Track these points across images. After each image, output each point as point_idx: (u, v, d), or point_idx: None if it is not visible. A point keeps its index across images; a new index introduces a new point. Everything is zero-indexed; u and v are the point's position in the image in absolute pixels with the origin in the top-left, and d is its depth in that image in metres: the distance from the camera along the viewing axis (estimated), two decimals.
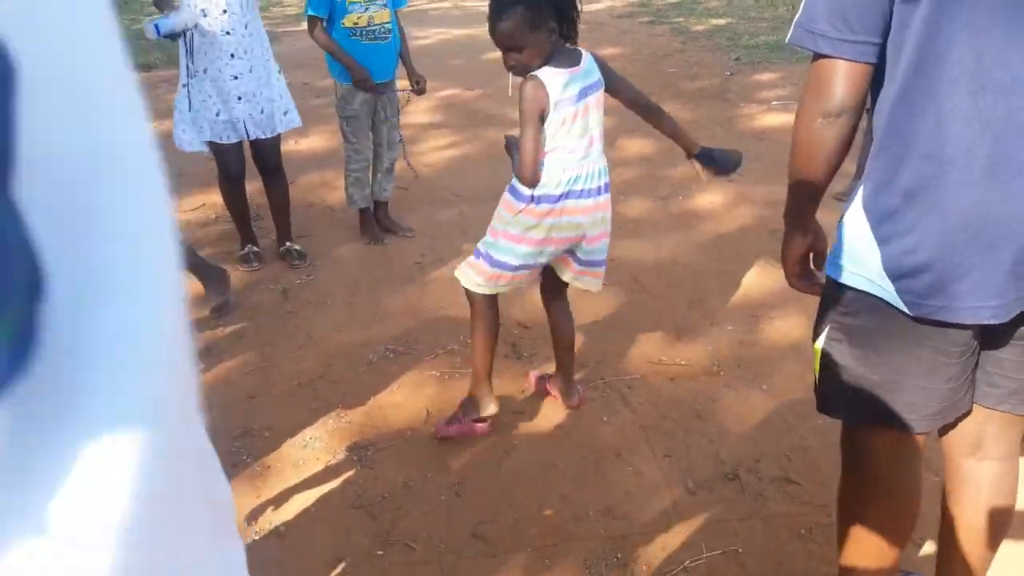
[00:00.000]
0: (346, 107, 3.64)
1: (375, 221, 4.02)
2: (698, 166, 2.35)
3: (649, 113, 2.34)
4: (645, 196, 4.54)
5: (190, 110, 3.32)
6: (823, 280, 1.49)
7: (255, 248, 3.75)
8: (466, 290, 2.37)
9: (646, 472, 2.35)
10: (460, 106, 6.53)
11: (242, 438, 2.53)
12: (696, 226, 4.13)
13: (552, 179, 2.17)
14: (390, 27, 3.61)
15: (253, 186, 4.72)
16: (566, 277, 2.46)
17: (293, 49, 8.58)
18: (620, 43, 9.06)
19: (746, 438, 2.49)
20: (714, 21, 10.18)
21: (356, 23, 3.47)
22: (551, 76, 2.07)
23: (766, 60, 7.86)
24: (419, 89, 3.90)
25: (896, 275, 1.25)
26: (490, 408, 2.43)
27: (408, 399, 2.72)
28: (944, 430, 1.49)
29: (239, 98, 3.32)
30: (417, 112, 6.41)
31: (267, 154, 3.62)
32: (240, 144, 3.47)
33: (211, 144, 3.41)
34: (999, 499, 1.50)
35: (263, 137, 3.49)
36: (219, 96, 3.29)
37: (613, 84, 2.24)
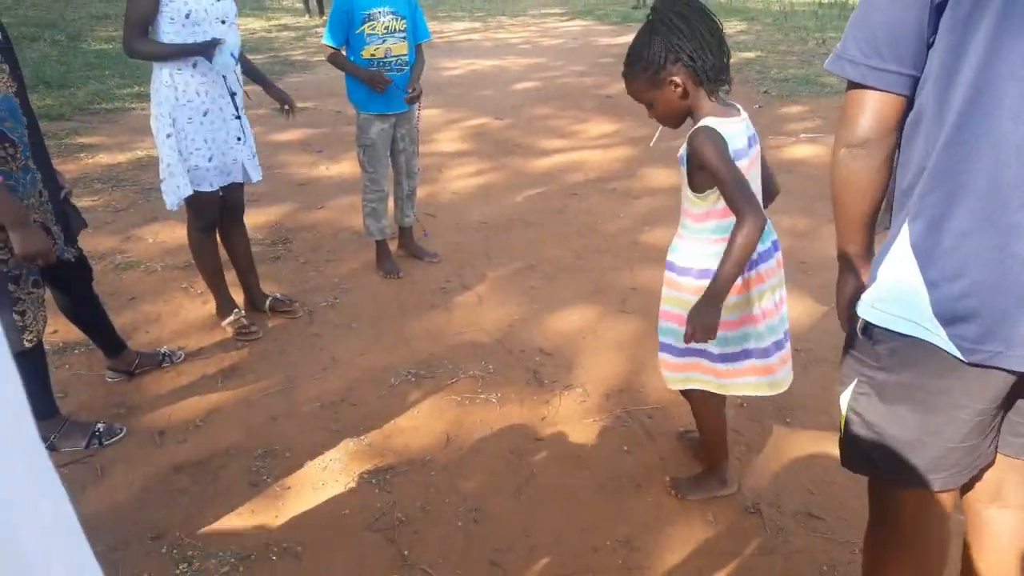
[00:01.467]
0: (363, 136, 3.68)
1: (392, 252, 4.03)
2: None
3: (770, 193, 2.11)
4: (670, 225, 4.50)
5: (180, 159, 2.95)
6: None
7: (242, 310, 3.37)
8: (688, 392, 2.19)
9: (666, 504, 2.32)
10: (488, 135, 6.59)
11: (263, 458, 2.54)
12: None
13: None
14: (407, 60, 3.63)
15: (283, 209, 4.81)
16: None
17: (327, 78, 8.75)
18: None
19: (768, 471, 2.46)
20: (743, 54, 10.21)
21: (373, 55, 3.53)
22: (720, 124, 1.86)
23: (795, 93, 7.87)
24: (413, 96, 3.62)
25: (948, 319, 1.18)
26: (732, 487, 2.32)
27: (428, 423, 2.72)
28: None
29: (239, 139, 3.08)
30: (445, 140, 6.50)
31: (238, 198, 3.30)
32: (218, 191, 3.13)
33: (193, 195, 3.03)
34: (1021, 548, 1.45)
35: (251, 181, 3.23)
36: (215, 141, 2.99)
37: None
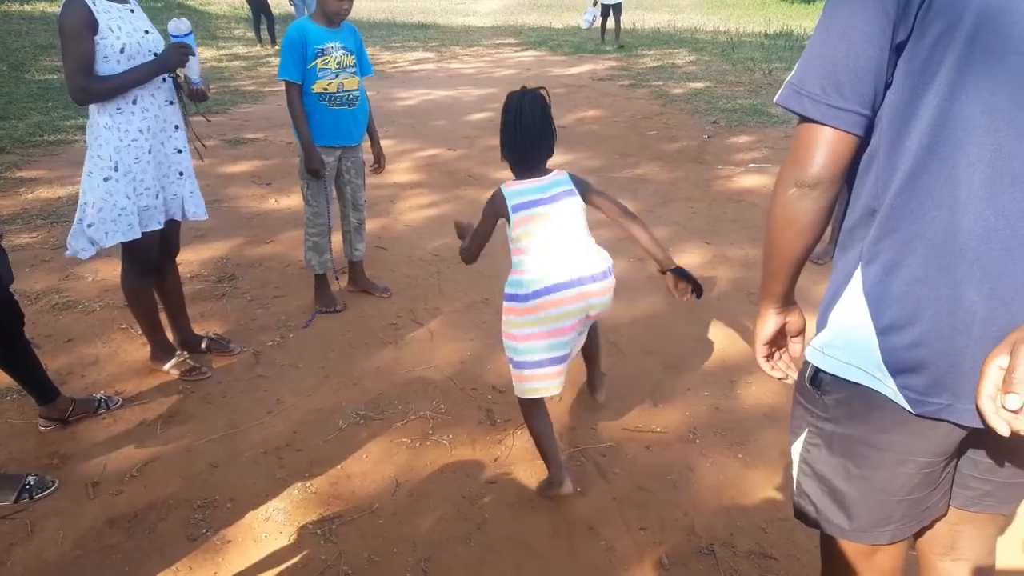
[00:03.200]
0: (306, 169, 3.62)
1: (344, 287, 3.99)
2: (671, 281, 2.38)
3: (625, 220, 2.42)
4: (621, 257, 4.54)
5: (130, 201, 2.84)
6: (796, 367, 1.41)
7: (184, 351, 3.31)
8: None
9: (619, 547, 2.28)
10: (440, 166, 6.57)
11: (203, 509, 2.44)
12: None
13: (526, 278, 2.35)
14: (358, 94, 3.62)
15: (230, 244, 4.70)
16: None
17: (279, 108, 8.67)
18: (601, 105, 9.23)
19: (722, 510, 2.44)
20: (692, 85, 10.41)
21: (325, 89, 3.48)
22: (509, 187, 2.38)
23: (743, 123, 8.03)
24: (377, 168, 3.93)
25: (897, 369, 1.16)
26: (564, 488, 2.43)
27: (376, 468, 2.65)
28: (919, 531, 1.42)
29: (180, 173, 3.01)
30: (398, 172, 6.46)
31: (175, 237, 3.20)
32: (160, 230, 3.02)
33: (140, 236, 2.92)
34: None
35: (191, 218, 3.14)
36: (157, 178, 2.93)
37: (590, 198, 2.43)
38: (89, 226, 2.84)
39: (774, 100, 1.21)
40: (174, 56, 2.82)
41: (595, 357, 2.93)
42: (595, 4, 15.50)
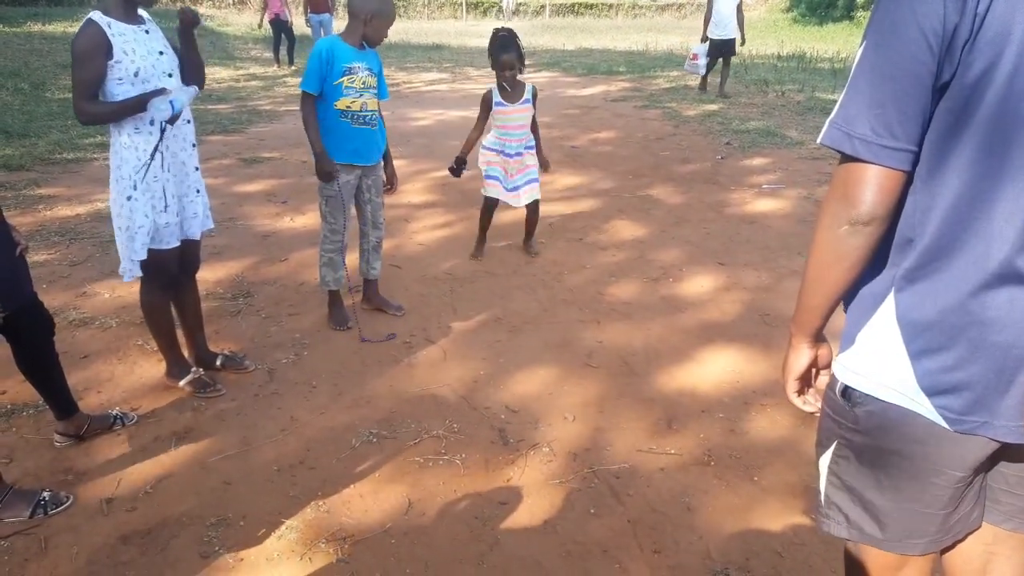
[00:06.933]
0: (325, 187, 3.65)
1: (356, 303, 4.00)
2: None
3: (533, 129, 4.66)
4: (635, 279, 4.54)
5: (148, 219, 2.88)
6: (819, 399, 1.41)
7: (200, 369, 3.32)
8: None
9: (633, 570, 2.25)
10: (454, 186, 6.59)
11: (216, 527, 2.44)
12: (686, 310, 4.12)
13: (494, 140, 4.60)
14: (377, 115, 3.70)
15: (245, 262, 4.73)
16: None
17: (295, 128, 8.75)
18: (614, 126, 9.27)
19: (737, 534, 2.41)
20: (706, 106, 10.44)
21: (349, 107, 3.54)
22: (494, 90, 4.49)
23: (756, 145, 8.03)
24: (389, 189, 3.97)
25: (933, 391, 1.18)
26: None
27: (389, 487, 2.64)
28: (948, 549, 1.40)
29: (197, 191, 3.07)
30: (412, 192, 6.50)
31: (195, 253, 3.25)
32: (178, 246, 3.05)
33: (152, 254, 2.94)
34: None
35: (205, 232, 3.21)
36: (176, 195, 2.96)
37: (534, 109, 4.57)
38: (122, 248, 2.93)
39: (818, 141, 1.21)
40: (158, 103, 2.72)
41: (532, 225, 4.95)
42: (703, 40, 11.14)
